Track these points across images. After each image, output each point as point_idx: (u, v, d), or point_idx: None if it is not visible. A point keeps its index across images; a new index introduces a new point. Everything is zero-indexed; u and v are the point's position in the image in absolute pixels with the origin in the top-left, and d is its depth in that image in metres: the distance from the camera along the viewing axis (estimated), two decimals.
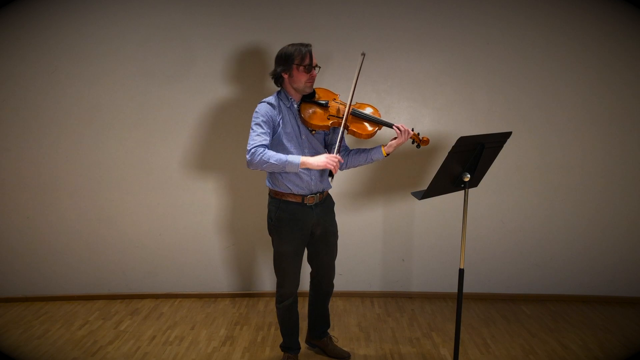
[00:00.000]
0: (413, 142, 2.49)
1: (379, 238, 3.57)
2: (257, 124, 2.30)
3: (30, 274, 3.57)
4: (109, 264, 3.59)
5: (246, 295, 3.67)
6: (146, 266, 3.60)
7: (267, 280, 3.66)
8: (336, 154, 2.33)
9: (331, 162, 2.27)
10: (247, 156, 2.24)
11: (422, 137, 2.48)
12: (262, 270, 3.65)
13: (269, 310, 3.44)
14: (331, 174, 2.34)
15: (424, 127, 3.40)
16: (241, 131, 3.42)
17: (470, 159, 2.25)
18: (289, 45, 2.38)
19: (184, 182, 3.50)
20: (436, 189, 2.27)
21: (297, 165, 2.25)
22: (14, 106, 3.37)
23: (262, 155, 2.21)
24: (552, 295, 3.62)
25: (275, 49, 3.28)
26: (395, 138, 2.42)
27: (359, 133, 2.41)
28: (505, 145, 2.41)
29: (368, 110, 2.48)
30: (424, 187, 2.36)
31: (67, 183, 3.46)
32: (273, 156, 2.23)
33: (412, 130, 2.43)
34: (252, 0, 3.29)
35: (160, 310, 3.46)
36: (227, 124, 3.42)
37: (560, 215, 3.52)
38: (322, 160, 2.27)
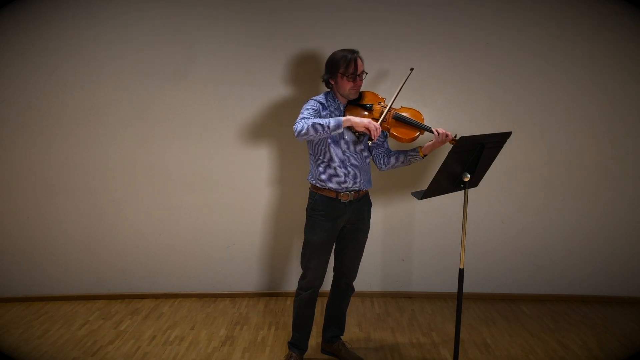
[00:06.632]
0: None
1: (379, 238, 3.57)
2: (305, 109, 2.41)
3: (30, 274, 3.57)
4: (109, 264, 3.58)
5: (246, 295, 3.67)
6: (146, 266, 3.60)
7: (267, 281, 3.66)
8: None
9: (372, 126, 2.29)
10: (294, 126, 2.30)
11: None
12: (262, 270, 3.65)
13: (268, 310, 3.44)
14: (370, 139, 2.35)
15: None
16: (240, 130, 3.43)
17: (470, 159, 2.25)
18: (338, 50, 2.48)
19: (184, 182, 3.49)
20: (436, 189, 2.28)
21: (340, 124, 2.28)
22: (13, 106, 3.36)
23: (307, 120, 2.29)
24: (552, 295, 3.62)
25: (275, 48, 3.33)
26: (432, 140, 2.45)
27: (399, 137, 2.47)
28: (505, 145, 2.41)
29: (411, 115, 2.52)
30: (424, 187, 2.35)
31: (67, 183, 3.46)
32: (317, 119, 2.31)
33: (455, 137, 2.40)
34: (252, 0, 3.30)
35: (160, 310, 3.46)
36: (227, 123, 3.42)
37: (560, 215, 3.52)
38: (365, 121, 2.30)
